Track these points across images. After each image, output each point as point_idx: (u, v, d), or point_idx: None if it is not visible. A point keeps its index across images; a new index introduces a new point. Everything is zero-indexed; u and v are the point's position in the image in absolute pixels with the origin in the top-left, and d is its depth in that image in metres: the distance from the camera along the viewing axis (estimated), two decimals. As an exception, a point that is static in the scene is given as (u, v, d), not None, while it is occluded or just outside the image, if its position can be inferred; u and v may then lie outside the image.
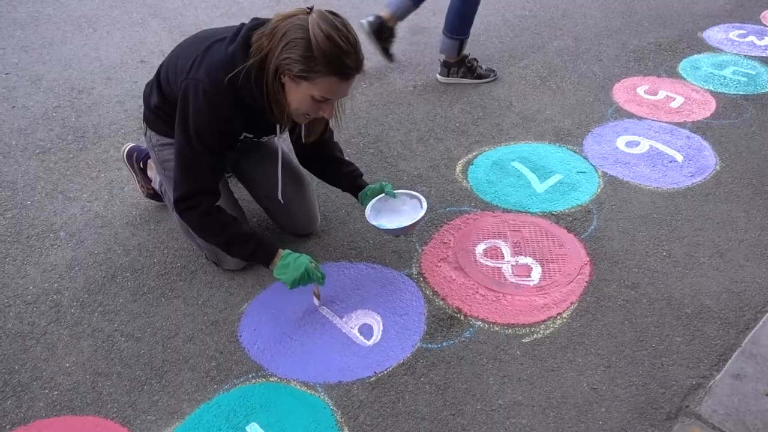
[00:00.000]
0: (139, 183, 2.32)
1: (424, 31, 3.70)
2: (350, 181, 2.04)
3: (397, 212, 1.96)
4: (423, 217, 1.89)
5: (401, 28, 3.70)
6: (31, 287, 2.03)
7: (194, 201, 1.79)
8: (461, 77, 3.15)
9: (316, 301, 1.91)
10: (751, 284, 2.00)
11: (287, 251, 1.83)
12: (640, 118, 2.86)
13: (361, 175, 2.06)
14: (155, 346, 1.83)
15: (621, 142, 2.69)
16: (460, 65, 3.14)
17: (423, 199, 1.93)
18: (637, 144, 2.68)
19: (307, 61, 1.54)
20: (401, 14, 3.19)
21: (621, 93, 3.05)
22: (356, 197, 2.05)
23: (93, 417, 1.64)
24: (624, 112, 2.91)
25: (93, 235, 2.23)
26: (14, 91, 3.13)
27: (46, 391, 1.70)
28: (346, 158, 2.08)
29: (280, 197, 2.01)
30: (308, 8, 1.58)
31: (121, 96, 3.08)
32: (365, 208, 1.94)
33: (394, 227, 1.88)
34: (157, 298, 1.98)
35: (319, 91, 1.60)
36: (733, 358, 1.77)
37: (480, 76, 3.16)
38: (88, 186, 2.47)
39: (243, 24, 1.70)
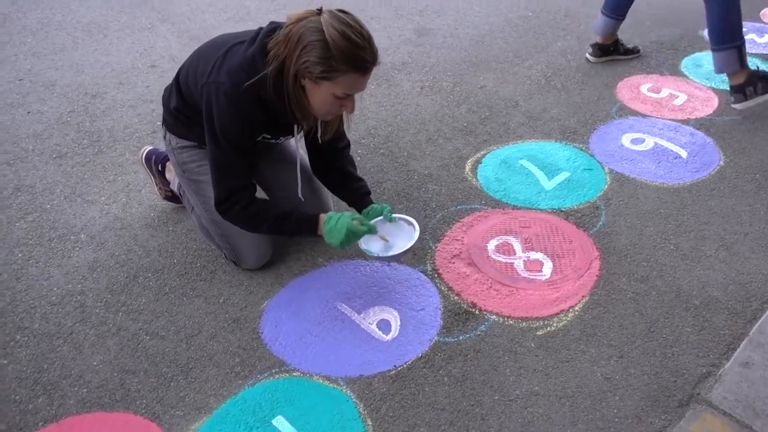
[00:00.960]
0: (157, 185, 2.37)
1: (429, 33, 3.75)
2: (357, 197, 2.09)
3: (390, 237, 1.95)
4: (413, 246, 1.90)
5: (406, 30, 3.76)
6: (55, 288, 2.08)
7: (232, 200, 1.86)
8: (761, 94, 2.79)
9: (381, 245, 1.92)
10: (757, 276, 2.05)
11: (330, 215, 1.88)
12: (644, 116, 2.91)
13: (368, 193, 2.09)
14: (179, 343, 1.88)
15: (626, 140, 2.74)
16: (750, 82, 2.78)
17: (417, 228, 1.94)
18: (642, 141, 2.73)
19: (327, 61, 1.59)
20: (611, 31, 3.27)
21: (625, 91, 3.11)
22: (359, 212, 2.08)
23: (123, 413, 1.69)
24: (628, 110, 2.96)
25: (113, 237, 2.28)
26: (28, 97, 3.18)
27: (76, 388, 1.76)
28: (357, 173, 2.13)
29: (300, 196, 2.05)
30: (318, 9, 1.62)
31: (133, 100, 3.13)
32: None
33: (381, 255, 1.89)
34: (179, 298, 2.03)
35: (341, 88, 1.65)
36: (741, 347, 1.82)
37: None
38: (106, 189, 2.53)
39: (261, 28, 1.75)
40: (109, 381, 1.77)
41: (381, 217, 1.97)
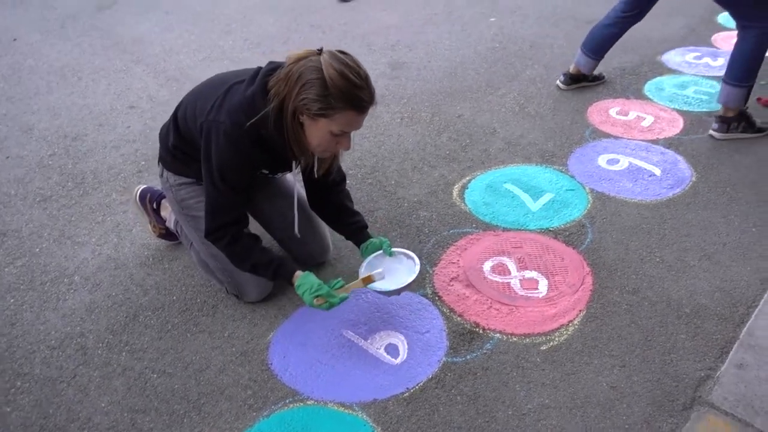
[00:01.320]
0: (151, 223, 2.36)
1: (403, 66, 3.86)
2: (354, 231, 2.12)
3: (390, 271, 1.98)
4: (415, 279, 1.93)
5: (381, 64, 3.87)
6: (53, 332, 2.04)
7: (221, 233, 1.88)
8: (741, 132, 2.96)
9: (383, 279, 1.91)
10: (740, 282, 2.16)
11: (300, 281, 1.88)
12: (616, 138, 3.05)
13: (365, 227, 2.13)
14: (188, 380, 1.87)
15: (602, 161, 2.86)
16: (740, 119, 2.94)
17: (417, 261, 1.97)
18: (617, 161, 2.86)
19: (325, 99, 1.64)
20: (589, 69, 3.44)
21: (595, 115, 3.25)
22: (357, 246, 2.12)
23: (137, 452, 1.67)
24: (600, 133, 3.10)
25: (108, 277, 2.26)
26: (6, 142, 3.14)
27: (84, 431, 1.72)
28: (353, 207, 2.17)
29: (297, 233, 2.08)
30: (318, 50, 1.68)
31: (115, 141, 3.12)
32: (361, 264, 2.02)
33: (384, 289, 1.92)
34: (183, 334, 2.02)
35: (338, 125, 1.70)
36: (734, 349, 1.91)
37: (761, 129, 2.97)
38: (96, 230, 2.51)
39: (260, 68, 1.80)
40: (119, 422, 1.75)
41: (380, 252, 2.01)
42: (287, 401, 1.79)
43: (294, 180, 2.07)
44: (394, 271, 1.96)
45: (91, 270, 2.30)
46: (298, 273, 1.91)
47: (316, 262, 2.27)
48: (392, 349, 1.94)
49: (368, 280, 1.87)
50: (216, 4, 4.89)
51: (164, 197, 2.27)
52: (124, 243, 2.43)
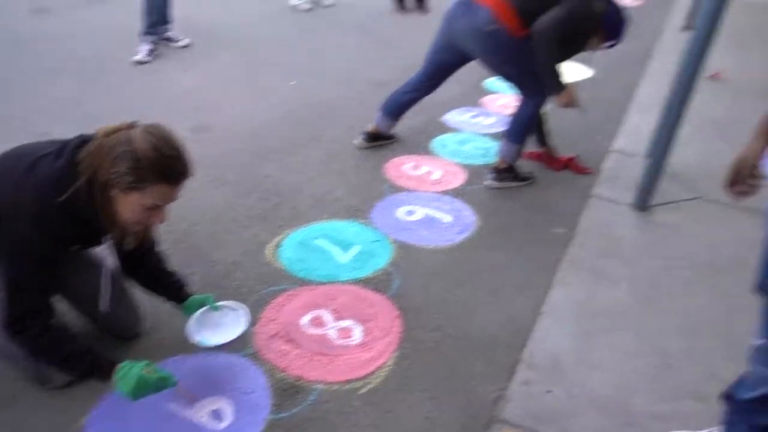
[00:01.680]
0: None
1: (207, 129, 3.90)
2: (174, 291, 2.12)
3: (219, 326, 2.03)
4: (245, 330, 2.00)
5: (184, 128, 3.87)
6: None
7: (26, 322, 1.74)
8: (511, 181, 3.46)
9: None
10: (522, 312, 2.52)
11: (123, 364, 1.80)
12: (410, 191, 3.39)
13: (185, 286, 2.14)
14: (-12, 482, 1.70)
15: (401, 212, 3.16)
16: (510, 170, 3.44)
17: (245, 312, 2.04)
18: (414, 212, 3.18)
19: (136, 172, 1.63)
20: (387, 128, 3.81)
21: (392, 171, 3.58)
22: (179, 305, 2.12)
23: None
24: (397, 187, 3.42)
25: None
26: None
27: None
28: (169, 268, 2.16)
29: (103, 308, 2.01)
30: (130, 123, 1.69)
31: None
32: (187, 323, 2.03)
33: (213, 343, 1.97)
34: (-23, 432, 1.83)
35: (151, 198, 1.69)
36: (518, 370, 2.23)
37: (525, 179, 3.49)
38: None
39: (68, 140, 1.75)
40: None
41: (207, 307, 2.03)
42: (108, 486, 1.71)
43: (105, 254, 2.01)
44: (222, 324, 1.99)
45: None
46: (119, 365, 1.80)
47: (131, 334, 2.21)
48: (217, 414, 1.95)
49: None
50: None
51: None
52: None
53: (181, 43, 5.20)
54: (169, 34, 5.15)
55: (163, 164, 1.66)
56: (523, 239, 3.00)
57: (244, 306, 2.06)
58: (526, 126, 3.36)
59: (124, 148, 1.63)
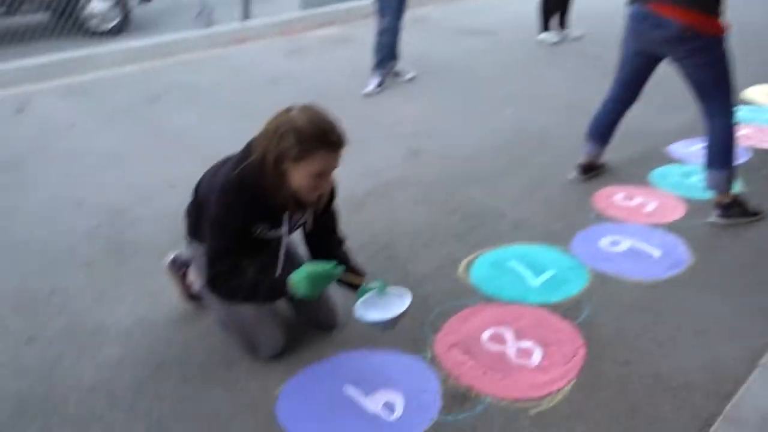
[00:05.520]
0: (179, 288, 2.61)
1: (421, 153, 4.16)
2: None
3: (384, 308, 2.12)
4: (404, 312, 2.07)
5: (401, 150, 4.18)
6: (87, 378, 2.26)
7: (218, 279, 2.12)
8: (740, 217, 3.13)
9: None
10: (729, 360, 2.26)
11: (293, 274, 2.04)
12: (619, 222, 3.22)
13: (363, 275, 2.30)
14: (201, 426, 2.04)
15: (604, 242, 3.03)
16: (734, 205, 3.13)
17: (408, 296, 2.12)
18: (619, 243, 3.02)
19: (300, 144, 1.94)
20: (597, 155, 3.66)
21: (601, 200, 3.44)
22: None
23: (149, 490, 1.83)
24: (605, 217, 3.28)
25: (139, 333, 2.49)
26: (60, 213, 3.49)
27: (105, 469, 1.90)
28: (352, 260, 2.36)
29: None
30: (287, 108, 2.02)
31: (155, 216, 3.43)
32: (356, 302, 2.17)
33: (377, 320, 2.07)
34: (200, 385, 2.21)
35: (315, 165, 1.98)
36: (717, 423, 1.99)
37: (755, 213, 3.16)
38: (132, 292, 2.76)
39: None
40: (136, 461, 1.92)
41: (375, 290, 2.15)
42: (288, 450, 1.94)
43: (284, 231, 2.24)
44: (387, 308, 2.10)
45: (125, 326, 2.53)
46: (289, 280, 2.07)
47: (328, 326, 2.46)
48: (389, 407, 2.09)
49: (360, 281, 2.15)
50: (251, 100, 5.33)
51: (191, 264, 2.53)
52: (156, 304, 2.67)
53: (407, 77, 5.60)
54: (397, 68, 5.59)
55: (322, 134, 1.96)
56: (744, 282, 2.67)
57: (409, 292, 2.14)
58: (727, 146, 3.08)
59: (287, 126, 1.95)
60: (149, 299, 2.71)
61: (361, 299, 2.14)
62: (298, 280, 2.02)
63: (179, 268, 2.61)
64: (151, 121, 4.96)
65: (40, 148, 4.44)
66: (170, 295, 2.71)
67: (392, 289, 2.17)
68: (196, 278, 2.53)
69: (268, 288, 2.12)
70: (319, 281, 2.03)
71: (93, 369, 2.30)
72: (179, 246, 3.04)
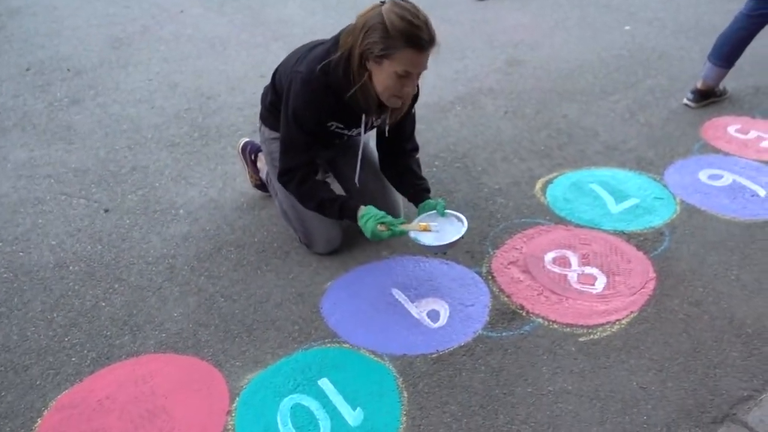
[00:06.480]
0: (249, 174, 2.65)
1: (519, 64, 3.89)
2: (416, 192, 2.23)
3: (439, 231, 2.04)
4: (458, 239, 1.99)
5: (498, 60, 3.93)
6: (152, 251, 2.38)
7: (290, 175, 2.10)
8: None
9: (431, 236, 2.02)
10: (821, 315, 2.01)
11: (363, 212, 2.03)
12: (726, 154, 2.89)
13: (428, 191, 2.24)
14: (248, 307, 2.10)
15: (703, 175, 2.73)
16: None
17: (465, 223, 2.03)
18: (720, 177, 2.71)
19: (386, 40, 1.80)
20: (719, 79, 3.31)
21: (710, 130, 3.09)
22: (416, 206, 2.22)
23: (192, 357, 1.93)
24: (711, 148, 2.95)
25: (206, 214, 2.57)
26: (154, 95, 3.62)
27: (156, 332, 2.01)
28: (422, 173, 2.28)
29: (356, 182, 2.23)
30: (381, 1, 1.85)
31: (241, 104, 3.48)
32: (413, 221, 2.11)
33: (428, 243, 2.00)
34: (254, 270, 2.27)
35: (400, 65, 1.83)
36: (790, 378, 1.79)
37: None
38: (207, 175, 2.84)
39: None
40: (184, 330, 2.02)
41: (434, 211, 2.10)
42: (326, 341, 1.96)
43: (362, 131, 2.17)
44: (443, 230, 2.04)
45: (195, 207, 2.62)
46: (362, 207, 2.06)
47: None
48: (434, 315, 2.05)
49: (424, 227, 2.01)
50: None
51: (261, 150, 2.54)
52: (227, 189, 2.74)
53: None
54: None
55: (410, 31, 1.79)
56: None
57: (465, 220, 2.05)
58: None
59: (376, 20, 1.81)
60: (221, 183, 2.78)
61: (417, 219, 2.09)
62: (365, 222, 2.00)
63: (250, 153, 2.63)
64: (257, 10, 4.98)
65: (146, 30, 4.60)
66: (242, 181, 2.77)
67: (452, 213, 2.09)
68: (263, 165, 2.55)
69: (338, 209, 2.10)
70: (381, 236, 2.01)
71: (159, 243, 2.42)
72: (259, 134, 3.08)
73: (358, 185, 2.23)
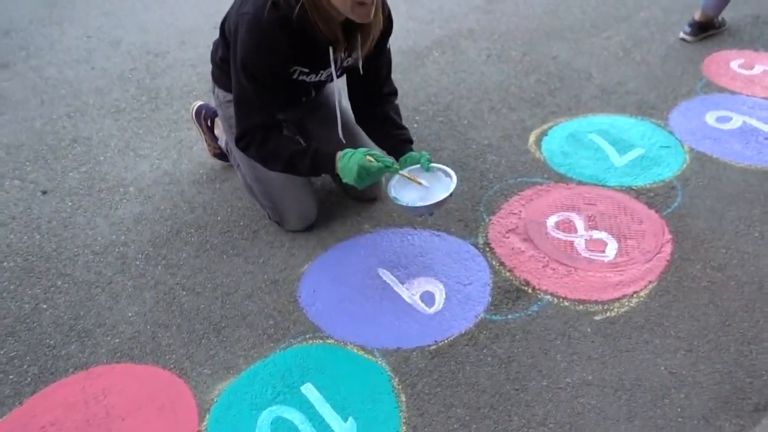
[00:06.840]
0: (206, 142, 2.32)
1: (500, 0, 3.55)
2: (397, 143, 1.92)
3: (423, 190, 1.74)
4: (446, 200, 1.70)
5: (477, -3, 3.58)
6: (99, 238, 2.06)
7: (250, 137, 1.79)
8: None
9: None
10: None
11: (344, 152, 1.73)
12: (732, 93, 2.64)
13: (410, 141, 1.93)
14: (215, 301, 1.82)
15: (711, 117, 2.48)
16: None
17: (455, 179, 1.73)
18: (729, 119, 2.47)
19: None
20: (719, 10, 3.00)
21: (712, 66, 2.83)
22: (396, 160, 1.88)
23: (151, 366, 1.65)
24: (715, 86, 2.69)
25: (161, 191, 2.25)
26: (94, 53, 3.21)
27: (108, 338, 1.73)
28: (403, 123, 1.98)
29: (340, 134, 1.92)
30: None
31: (194, 60, 3.11)
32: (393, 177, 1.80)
33: (413, 204, 1.70)
34: (219, 255, 1.98)
35: None
36: (832, 350, 1.60)
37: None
38: (159, 144, 2.50)
39: None
40: (141, 333, 1.73)
41: (417, 166, 1.79)
42: (307, 336, 1.70)
43: (334, 76, 1.87)
44: (427, 187, 1.74)
45: (146, 183, 2.30)
46: (340, 153, 1.75)
47: (366, 197, 2.13)
48: (428, 298, 1.79)
49: (413, 178, 1.74)
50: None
51: (218, 115, 2.20)
52: (183, 160, 2.41)
53: None
54: None
55: None
56: None
57: (454, 174, 1.75)
58: None
59: None
60: (176, 154, 2.45)
61: (398, 173, 1.77)
62: (349, 167, 1.69)
63: (206, 118, 2.30)
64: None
65: (80, -19, 4.11)
66: (199, 150, 2.44)
67: (438, 167, 1.78)
68: (221, 132, 2.22)
69: (311, 160, 1.78)
70: (370, 176, 1.70)
71: (107, 228, 2.10)
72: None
73: (343, 140, 1.92)
